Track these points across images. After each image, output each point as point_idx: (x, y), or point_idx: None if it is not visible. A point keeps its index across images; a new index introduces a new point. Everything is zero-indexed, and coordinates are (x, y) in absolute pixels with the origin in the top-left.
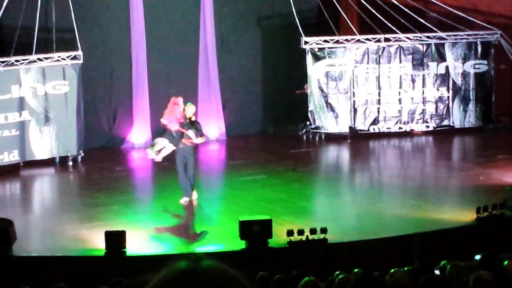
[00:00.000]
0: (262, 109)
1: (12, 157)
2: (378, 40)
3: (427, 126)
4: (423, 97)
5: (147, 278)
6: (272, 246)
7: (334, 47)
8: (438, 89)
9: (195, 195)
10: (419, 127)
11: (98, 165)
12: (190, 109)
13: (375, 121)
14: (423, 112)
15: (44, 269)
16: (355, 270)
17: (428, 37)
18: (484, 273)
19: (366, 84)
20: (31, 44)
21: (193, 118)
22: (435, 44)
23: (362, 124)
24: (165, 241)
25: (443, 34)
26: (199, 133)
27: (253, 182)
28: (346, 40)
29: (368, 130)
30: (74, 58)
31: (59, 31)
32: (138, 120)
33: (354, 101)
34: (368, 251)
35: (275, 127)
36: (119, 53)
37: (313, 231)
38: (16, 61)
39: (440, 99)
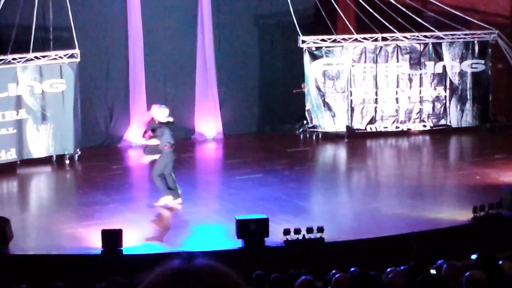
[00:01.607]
0: (259, 108)
1: (9, 155)
2: (376, 39)
3: (424, 126)
4: (420, 97)
5: (143, 277)
6: (268, 245)
7: (332, 46)
8: (435, 89)
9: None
10: (416, 126)
11: (95, 163)
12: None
13: (372, 120)
14: (420, 111)
15: (41, 267)
16: (352, 269)
17: (425, 36)
18: (476, 273)
19: (363, 83)
20: (28, 42)
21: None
22: (432, 43)
23: (359, 123)
24: (161, 240)
25: (440, 34)
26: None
27: (250, 181)
28: (344, 39)
29: (365, 129)
30: (71, 56)
31: (56, 29)
32: (135, 118)
33: (351, 100)
34: (365, 250)
35: (272, 126)
36: (116, 51)
37: (309, 230)
38: (13, 59)
39: (437, 98)
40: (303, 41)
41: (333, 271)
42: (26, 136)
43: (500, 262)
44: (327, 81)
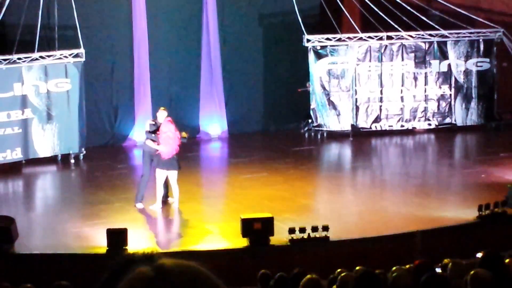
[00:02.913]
0: (264, 107)
1: (14, 154)
2: (381, 38)
3: (429, 124)
4: (425, 95)
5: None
6: (273, 244)
7: (336, 45)
8: (440, 87)
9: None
10: (421, 125)
11: (100, 162)
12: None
13: (377, 119)
14: (425, 110)
15: (46, 266)
16: (357, 267)
17: (430, 35)
18: (481, 271)
19: (368, 82)
20: (34, 42)
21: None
22: (437, 42)
23: (364, 122)
24: (166, 239)
25: (445, 32)
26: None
27: (255, 180)
28: (348, 38)
29: (370, 128)
30: (76, 56)
31: (61, 29)
32: (140, 117)
33: (356, 99)
34: (370, 248)
35: (277, 125)
36: (121, 50)
37: (315, 229)
38: (19, 59)
39: (442, 97)
40: (308, 40)
41: (339, 270)
42: (31, 136)
43: (506, 260)
44: (332, 80)
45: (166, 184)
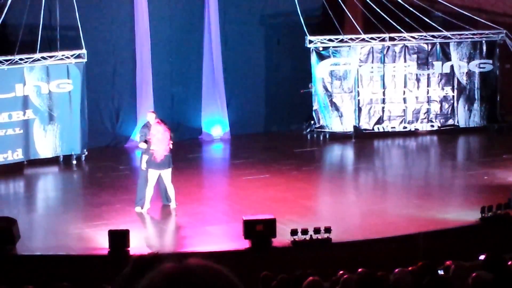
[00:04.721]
0: (266, 108)
1: (16, 155)
2: (383, 39)
3: (432, 126)
4: (428, 97)
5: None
6: (276, 245)
7: (339, 46)
8: (443, 89)
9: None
10: (423, 126)
11: (102, 163)
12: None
13: (379, 121)
14: (428, 111)
15: (48, 268)
16: (359, 269)
17: (433, 36)
18: (484, 273)
19: (371, 83)
20: (35, 43)
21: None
22: (440, 43)
23: (366, 124)
24: (168, 240)
25: (448, 34)
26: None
27: (257, 181)
28: (351, 39)
29: (373, 129)
30: (78, 56)
31: (63, 29)
32: (142, 118)
33: (358, 100)
34: (372, 250)
35: (279, 126)
36: (123, 51)
37: (317, 231)
38: (20, 59)
39: (445, 98)
40: (310, 41)
41: (341, 272)
42: (33, 137)
43: (508, 262)
44: (335, 81)
45: (165, 187)
